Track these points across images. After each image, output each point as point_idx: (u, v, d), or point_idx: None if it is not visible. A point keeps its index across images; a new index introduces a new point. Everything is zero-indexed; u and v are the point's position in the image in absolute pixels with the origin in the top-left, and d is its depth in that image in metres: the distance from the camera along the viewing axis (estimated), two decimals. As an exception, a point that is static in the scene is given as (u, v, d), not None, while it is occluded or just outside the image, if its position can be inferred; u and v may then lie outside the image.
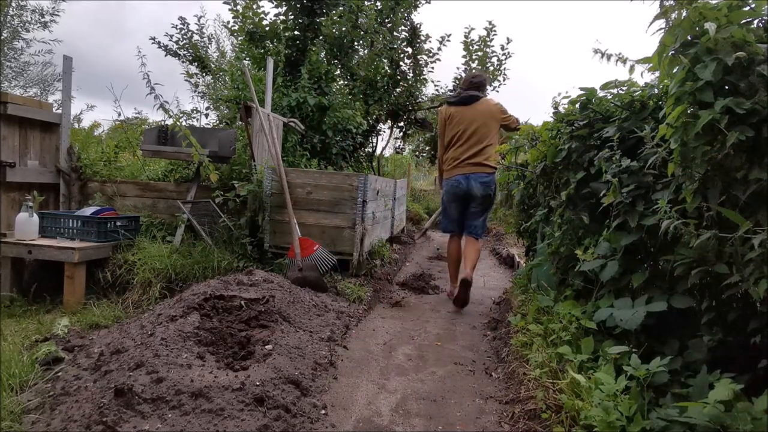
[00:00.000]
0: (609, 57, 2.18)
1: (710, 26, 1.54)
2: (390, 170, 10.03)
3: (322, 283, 3.71)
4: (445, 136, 4.17)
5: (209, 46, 8.32)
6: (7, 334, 2.86)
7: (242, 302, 2.84)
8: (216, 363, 2.22)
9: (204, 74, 7.69)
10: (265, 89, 4.84)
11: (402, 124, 8.08)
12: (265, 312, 2.81)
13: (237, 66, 6.40)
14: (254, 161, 4.42)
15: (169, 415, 1.80)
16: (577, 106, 2.72)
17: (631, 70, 2.03)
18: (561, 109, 2.91)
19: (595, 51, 2.23)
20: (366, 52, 6.84)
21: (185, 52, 7.45)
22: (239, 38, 6.63)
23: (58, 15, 9.47)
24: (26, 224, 3.73)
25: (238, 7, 6.35)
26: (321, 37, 6.32)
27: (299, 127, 5.34)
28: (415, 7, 7.34)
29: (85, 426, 1.74)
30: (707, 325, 1.79)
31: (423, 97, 7.96)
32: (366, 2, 6.77)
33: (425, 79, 7.54)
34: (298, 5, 6.34)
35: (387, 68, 7.14)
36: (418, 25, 7.36)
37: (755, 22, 1.69)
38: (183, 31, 7.37)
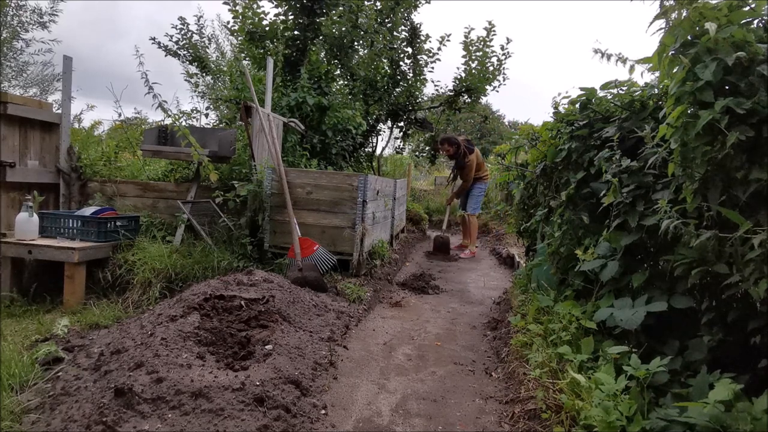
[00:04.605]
0: (609, 57, 2.18)
1: (710, 26, 1.54)
2: (390, 170, 10.02)
3: (322, 283, 3.71)
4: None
5: (209, 46, 8.32)
6: (7, 334, 2.86)
7: (242, 302, 2.84)
8: (216, 363, 2.21)
9: (204, 74, 7.68)
10: (265, 89, 4.84)
11: (402, 124, 8.08)
12: (265, 312, 2.81)
13: (237, 66, 6.39)
14: (254, 161, 4.42)
15: (169, 415, 1.80)
16: (577, 106, 2.72)
17: (631, 70, 2.03)
18: (561, 109, 2.91)
19: (595, 51, 2.23)
20: (366, 52, 6.83)
21: (185, 52, 7.44)
22: (239, 38, 6.62)
23: (56, 15, 9.47)
24: (26, 224, 3.73)
25: (238, 7, 6.34)
26: (321, 37, 6.31)
27: (299, 127, 5.34)
28: (415, 7, 7.33)
29: (85, 426, 1.74)
30: (707, 325, 1.79)
31: (423, 97, 7.96)
32: (366, 2, 6.76)
33: (425, 79, 7.54)
34: (298, 5, 6.34)
35: (387, 68, 7.14)
36: (418, 25, 7.35)
37: (755, 22, 1.70)
38: (183, 32, 7.37)
